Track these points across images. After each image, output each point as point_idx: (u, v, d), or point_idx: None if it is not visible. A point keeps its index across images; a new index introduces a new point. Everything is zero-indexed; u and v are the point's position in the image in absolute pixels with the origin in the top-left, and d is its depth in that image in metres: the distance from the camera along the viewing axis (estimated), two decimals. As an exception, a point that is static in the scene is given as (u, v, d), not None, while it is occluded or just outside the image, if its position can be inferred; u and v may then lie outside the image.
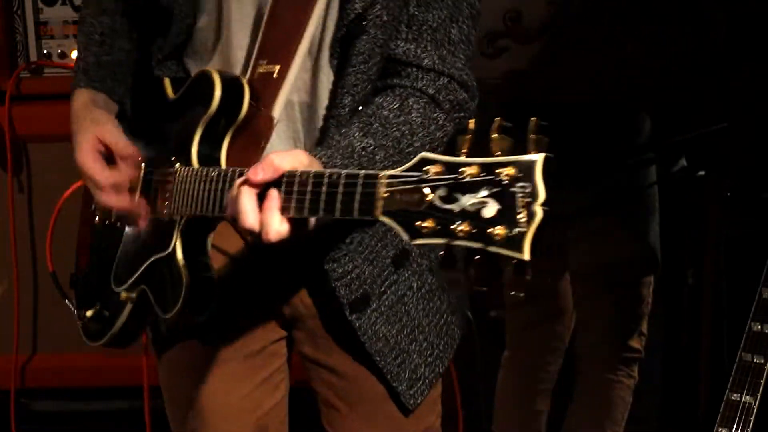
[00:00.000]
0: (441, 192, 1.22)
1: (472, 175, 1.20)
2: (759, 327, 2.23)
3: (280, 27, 1.65)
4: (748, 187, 2.83)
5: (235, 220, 1.45)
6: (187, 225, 1.62)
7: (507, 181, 1.18)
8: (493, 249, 1.18)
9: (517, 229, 1.17)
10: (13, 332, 3.03)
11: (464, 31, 1.68)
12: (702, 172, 3.01)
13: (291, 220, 1.41)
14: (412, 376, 1.81)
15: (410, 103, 1.64)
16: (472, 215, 1.20)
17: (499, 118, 1.23)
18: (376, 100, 1.65)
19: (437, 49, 1.66)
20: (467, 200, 1.20)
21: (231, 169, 1.54)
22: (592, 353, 3.12)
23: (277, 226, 1.40)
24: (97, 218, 1.87)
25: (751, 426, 2.20)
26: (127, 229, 1.77)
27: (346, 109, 1.65)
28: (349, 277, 1.73)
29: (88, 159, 1.72)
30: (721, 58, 2.79)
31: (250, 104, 1.63)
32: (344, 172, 1.34)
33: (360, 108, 1.65)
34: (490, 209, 1.19)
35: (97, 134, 1.73)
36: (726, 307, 2.87)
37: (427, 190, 1.23)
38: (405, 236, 1.25)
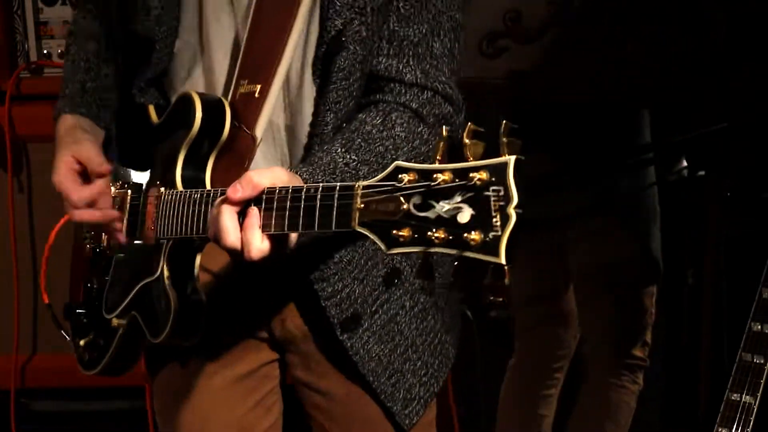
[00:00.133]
0: (416, 200, 1.22)
1: (445, 181, 1.20)
2: (759, 327, 2.23)
3: (260, 47, 1.64)
4: (748, 187, 2.83)
5: (217, 240, 1.45)
6: (173, 248, 1.62)
7: (480, 186, 1.18)
8: (469, 254, 1.18)
9: (492, 233, 1.16)
10: (13, 332, 3.03)
11: (446, 45, 1.66)
12: (702, 172, 3.01)
13: (272, 237, 1.40)
14: (406, 395, 1.79)
15: (393, 118, 1.62)
16: (448, 221, 1.19)
17: (470, 123, 1.23)
18: (359, 116, 1.64)
19: (419, 64, 1.64)
20: (442, 207, 1.20)
21: (214, 190, 1.53)
22: (594, 356, 3.13)
23: (259, 244, 1.40)
24: (87, 247, 1.87)
25: (751, 426, 2.20)
26: (116, 256, 1.77)
27: (329, 127, 1.65)
28: (339, 297, 1.72)
29: (63, 178, 1.74)
30: (721, 58, 2.79)
31: (233, 124, 1.63)
32: (321, 185, 1.34)
33: (343, 125, 1.65)
34: (465, 214, 1.18)
35: (72, 153, 1.75)
36: (726, 307, 2.87)
37: (402, 199, 1.23)
38: (382, 246, 1.25)
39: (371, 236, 1.26)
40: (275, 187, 1.39)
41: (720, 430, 2.22)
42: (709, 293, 2.95)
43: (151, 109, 1.76)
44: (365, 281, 1.74)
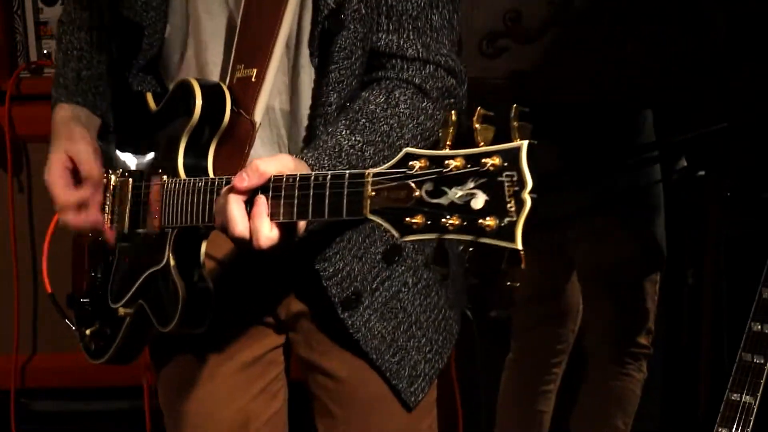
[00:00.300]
0: (428, 186, 1.21)
1: (457, 168, 1.19)
2: (759, 327, 2.23)
3: (254, 30, 1.63)
4: (748, 187, 2.83)
5: (224, 230, 1.44)
6: (178, 237, 1.61)
7: (493, 171, 1.17)
8: (484, 240, 1.17)
9: (507, 219, 1.15)
10: (13, 332, 3.03)
11: (445, 16, 1.66)
12: (702, 172, 3.01)
13: (281, 225, 1.40)
14: (412, 373, 1.79)
15: (397, 95, 1.62)
16: (462, 208, 1.18)
17: (479, 108, 1.21)
18: (362, 95, 1.63)
19: (420, 38, 1.64)
20: (455, 193, 1.19)
21: (218, 178, 1.52)
22: (598, 345, 3.13)
23: (268, 233, 1.39)
24: (89, 237, 1.86)
25: (751, 426, 2.20)
26: (119, 245, 1.76)
27: (333, 107, 1.64)
28: (339, 276, 1.71)
29: (55, 178, 1.73)
30: (721, 58, 2.79)
31: (232, 110, 1.62)
32: (330, 173, 1.33)
33: (347, 104, 1.64)
34: (479, 200, 1.17)
35: (67, 151, 1.74)
36: (726, 307, 2.87)
37: (413, 186, 1.22)
38: (395, 233, 1.24)
39: (384, 224, 1.25)
40: (282, 175, 1.39)
41: (720, 430, 2.22)
42: (709, 293, 2.95)
43: (149, 96, 1.75)
44: (364, 259, 1.74)
